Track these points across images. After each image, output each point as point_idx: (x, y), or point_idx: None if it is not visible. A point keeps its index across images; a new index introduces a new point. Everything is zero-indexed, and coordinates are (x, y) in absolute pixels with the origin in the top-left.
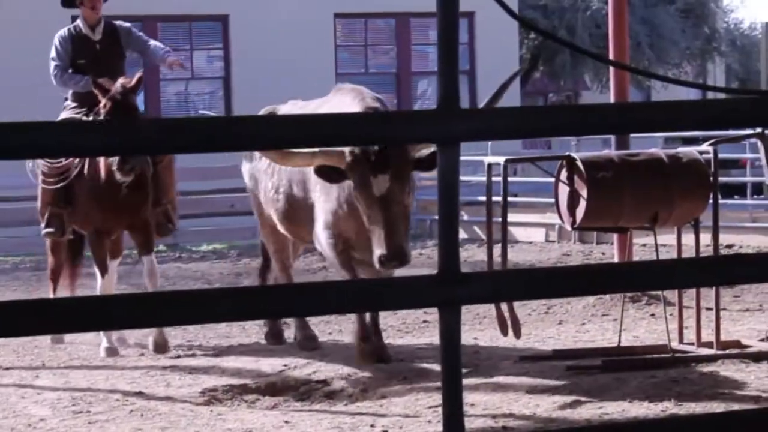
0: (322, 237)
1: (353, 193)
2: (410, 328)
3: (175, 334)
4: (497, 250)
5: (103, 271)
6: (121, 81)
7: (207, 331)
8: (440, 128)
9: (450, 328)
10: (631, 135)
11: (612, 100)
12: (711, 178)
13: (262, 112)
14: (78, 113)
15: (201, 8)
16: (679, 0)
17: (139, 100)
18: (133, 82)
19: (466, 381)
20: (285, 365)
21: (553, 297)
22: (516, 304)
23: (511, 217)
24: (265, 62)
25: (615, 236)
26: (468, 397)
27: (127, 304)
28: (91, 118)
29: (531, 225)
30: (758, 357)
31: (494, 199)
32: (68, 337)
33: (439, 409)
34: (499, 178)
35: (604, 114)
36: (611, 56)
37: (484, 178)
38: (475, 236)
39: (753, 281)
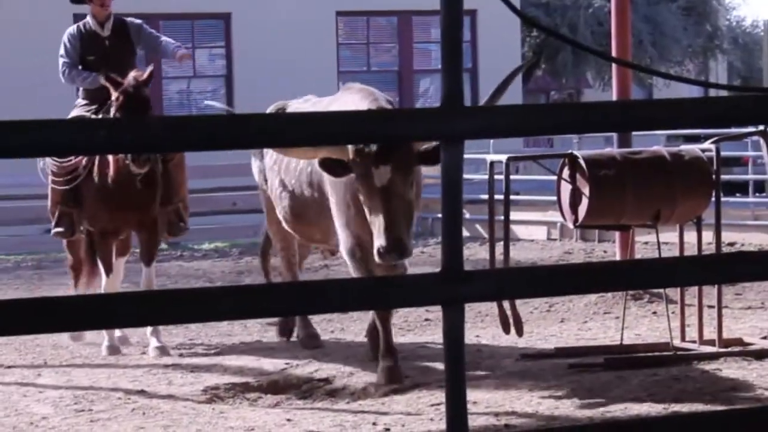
0: (341, 239)
1: (355, 185)
2: (412, 326)
3: (177, 333)
4: (499, 248)
5: (108, 270)
6: (132, 74)
7: (209, 329)
8: (444, 126)
9: (454, 326)
10: (634, 133)
11: (614, 97)
12: (713, 176)
13: (271, 109)
14: (88, 111)
15: (203, 6)
16: None
17: None
18: (145, 75)
19: (468, 379)
20: (287, 363)
21: (556, 295)
22: (518, 302)
23: (513, 215)
24: (268, 60)
25: (617, 234)
26: (470, 395)
27: (131, 303)
28: (101, 115)
29: (533, 223)
30: (760, 355)
31: (496, 197)
32: (89, 335)
33: (442, 407)
34: (501, 177)
35: (607, 112)
36: (614, 54)
37: (486, 177)
38: (477, 234)
39: (755, 279)
